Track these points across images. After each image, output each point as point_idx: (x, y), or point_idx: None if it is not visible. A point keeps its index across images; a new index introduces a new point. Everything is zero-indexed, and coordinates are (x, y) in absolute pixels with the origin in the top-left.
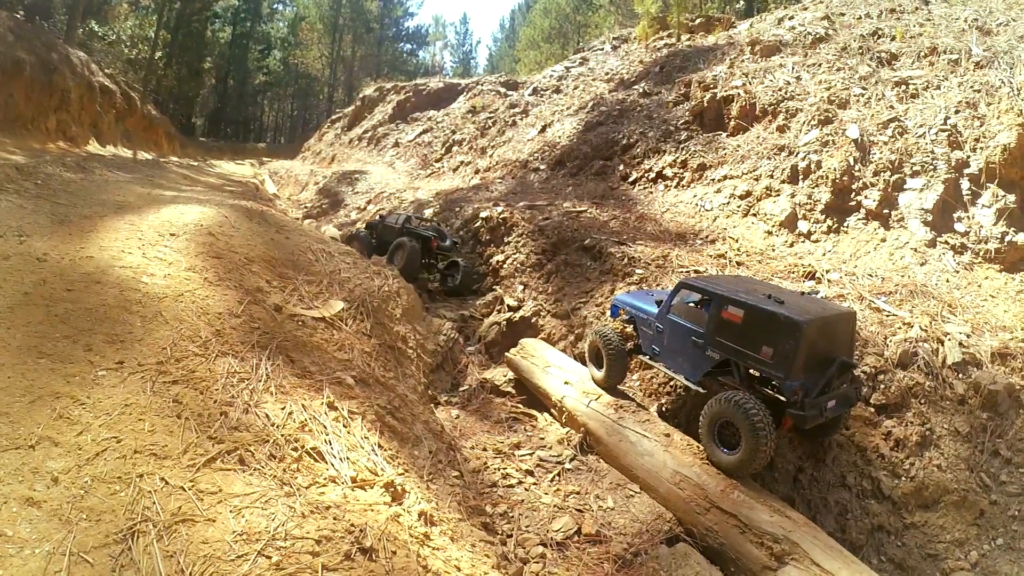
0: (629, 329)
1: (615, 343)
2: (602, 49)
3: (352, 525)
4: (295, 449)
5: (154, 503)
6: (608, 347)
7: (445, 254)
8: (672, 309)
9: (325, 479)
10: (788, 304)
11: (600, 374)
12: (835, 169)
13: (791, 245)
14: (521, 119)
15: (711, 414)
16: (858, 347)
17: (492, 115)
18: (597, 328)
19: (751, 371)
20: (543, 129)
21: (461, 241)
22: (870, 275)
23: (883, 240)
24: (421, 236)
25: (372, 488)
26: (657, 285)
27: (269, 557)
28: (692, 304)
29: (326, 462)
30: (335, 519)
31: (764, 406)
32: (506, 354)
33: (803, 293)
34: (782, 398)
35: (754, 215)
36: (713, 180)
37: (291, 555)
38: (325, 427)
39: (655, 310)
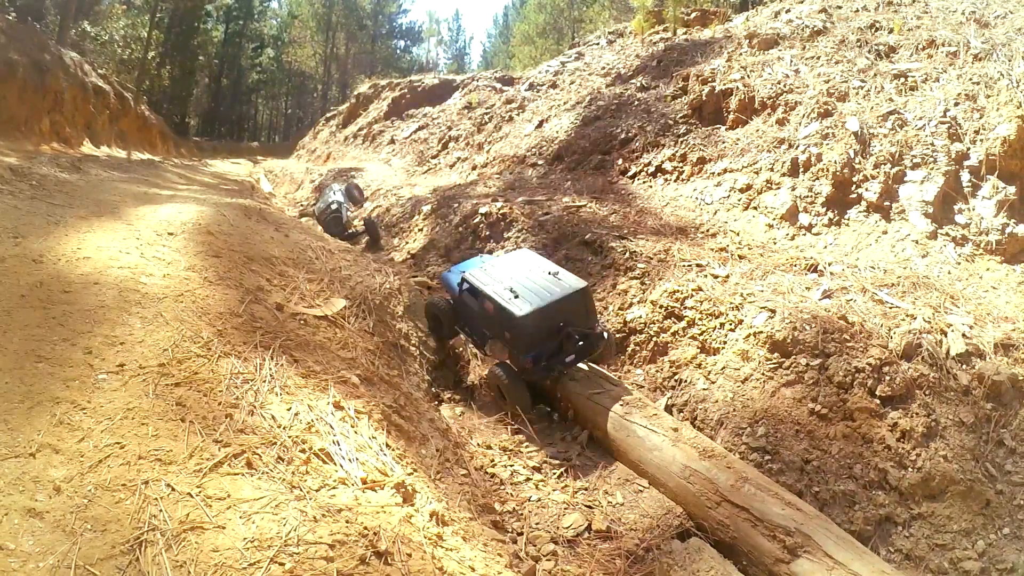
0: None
1: (442, 307)
2: (598, 44)
3: (365, 528)
4: (303, 451)
5: (161, 511)
6: (439, 311)
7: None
8: (462, 294)
9: (335, 481)
10: (521, 297)
11: (439, 334)
12: (835, 162)
13: (792, 238)
14: (518, 114)
15: (487, 378)
16: (860, 339)
17: (488, 111)
18: (426, 300)
19: None
20: (540, 124)
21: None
22: (872, 267)
23: (884, 232)
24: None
25: (383, 489)
26: (659, 278)
27: (282, 564)
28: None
29: (335, 463)
30: (348, 522)
31: (514, 370)
32: None
33: (550, 273)
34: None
35: (755, 208)
36: (713, 174)
37: (305, 561)
38: (332, 427)
39: (456, 291)
